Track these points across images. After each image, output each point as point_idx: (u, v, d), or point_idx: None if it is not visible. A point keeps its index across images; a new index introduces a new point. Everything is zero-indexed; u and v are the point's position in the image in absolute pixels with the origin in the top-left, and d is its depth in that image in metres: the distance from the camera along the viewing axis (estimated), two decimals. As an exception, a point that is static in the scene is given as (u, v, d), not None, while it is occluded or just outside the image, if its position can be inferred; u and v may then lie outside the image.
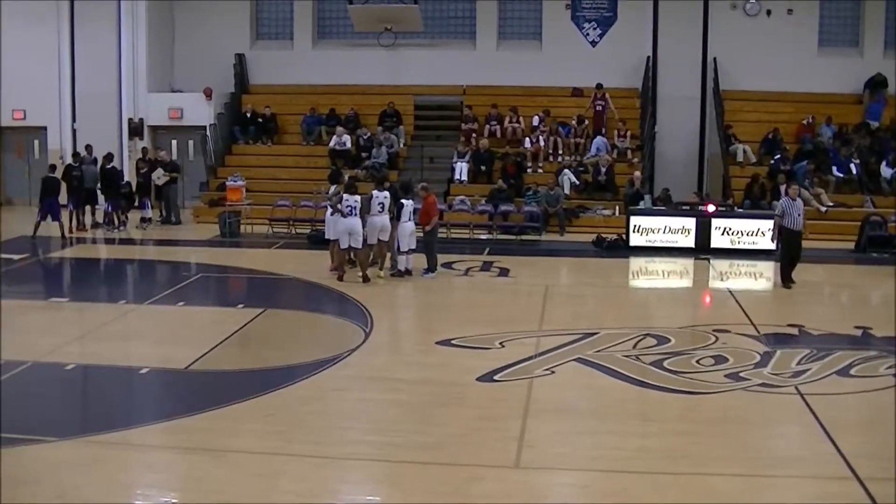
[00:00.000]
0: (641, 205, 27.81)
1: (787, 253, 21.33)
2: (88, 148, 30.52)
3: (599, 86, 32.47)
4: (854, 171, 30.09)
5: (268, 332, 17.36)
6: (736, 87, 33.10)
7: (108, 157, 29.64)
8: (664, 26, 33.11)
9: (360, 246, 21.27)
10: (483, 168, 31.29)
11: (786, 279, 21.24)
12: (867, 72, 32.72)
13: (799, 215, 21.15)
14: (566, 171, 30.59)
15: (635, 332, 16.79)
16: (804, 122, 32.05)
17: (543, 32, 34.67)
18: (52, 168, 28.15)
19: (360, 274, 21.36)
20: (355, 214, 21.06)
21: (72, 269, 24.78)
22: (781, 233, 21.18)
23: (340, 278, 21.34)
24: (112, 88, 34.18)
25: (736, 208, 27.59)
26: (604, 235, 26.99)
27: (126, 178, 30.86)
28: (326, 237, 22.15)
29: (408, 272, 21.79)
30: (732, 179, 30.51)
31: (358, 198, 21.24)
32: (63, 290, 22.38)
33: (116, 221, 29.18)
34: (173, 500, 10.05)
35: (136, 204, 30.22)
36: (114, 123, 34.22)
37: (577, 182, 30.55)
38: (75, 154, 30.44)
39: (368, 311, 18.32)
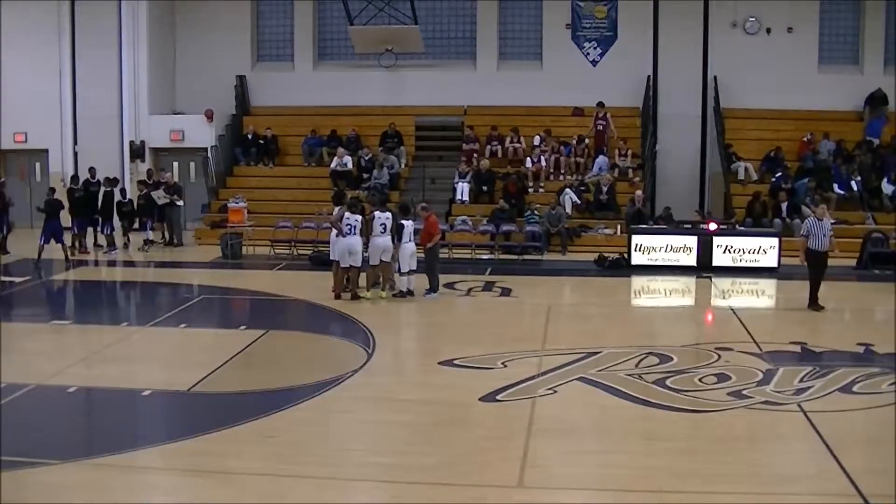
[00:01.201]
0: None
1: (814, 274, 20.73)
2: (92, 170, 30.56)
3: (601, 104, 32.50)
4: (855, 188, 30.11)
5: (270, 353, 17.34)
6: (736, 105, 33.18)
7: (113, 182, 29.77)
8: (664, 45, 33.19)
9: (359, 265, 21.34)
10: (485, 188, 31.33)
11: (814, 301, 20.65)
12: (867, 88, 32.80)
13: (825, 236, 20.61)
14: (567, 190, 30.61)
15: (638, 350, 16.77)
16: (804, 138, 32.06)
17: (544, 52, 34.76)
18: (52, 191, 28.18)
19: (351, 290, 21.48)
20: (355, 233, 21.13)
21: (74, 292, 24.79)
22: (808, 254, 20.65)
23: (338, 297, 21.39)
24: (113, 111, 34.28)
25: (737, 226, 27.56)
26: (605, 254, 27.00)
27: (129, 197, 30.76)
28: (332, 258, 22.10)
29: (409, 293, 21.78)
30: (734, 197, 30.54)
31: (359, 217, 21.32)
32: (65, 312, 22.36)
33: (115, 243, 29.20)
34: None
35: (137, 226, 30.23)
36: (115, 146, 34.30)
37: (579, 201, 30.58)
38: (74, 177, 30.48)
39: (371, 332, 18.31)
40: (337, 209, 22.25)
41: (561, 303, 23.03)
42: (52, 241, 26.61)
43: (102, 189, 29.50)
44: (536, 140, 32.60)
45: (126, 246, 29.67)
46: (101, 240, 29.55)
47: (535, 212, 29.45)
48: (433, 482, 10.85)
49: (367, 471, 11.29)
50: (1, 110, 33.69)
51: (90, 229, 29.34)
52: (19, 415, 13.14)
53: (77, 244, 28.51)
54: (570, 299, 24.08)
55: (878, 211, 29.47)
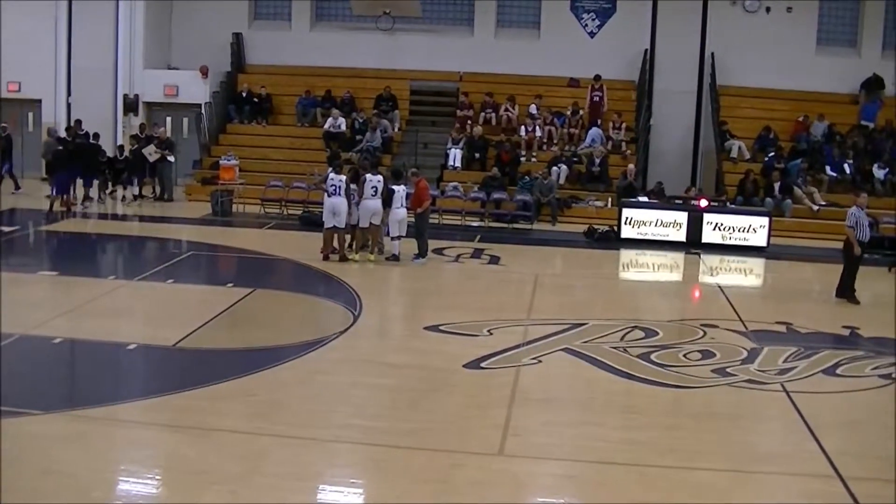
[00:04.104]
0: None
1: (853, 265, 20.04)
2: (78, 122, 30.46)
3: (597, 77, 32.44)
4: (847, 171, 30.09)
5: (256, 312, 17.36)
6: (732, 82, 33.08)
7: (95, 136, 29.70)
8: (663, 20, 33.06)
9: (343, 226, 21.32)
10: (477, 155, 31.23)
11: (847, 292, 20.03)
12: (864, 72, 32.69)
13: (868, 225, 20.11)
14: (558, 167, 30.43)
15: (623, 324, 16.83)
16: (799, 119, 32.01)
17: (542, 21, 34.58)
18: (60, 141, 28.12)
19: (339, 252, 21.51)
20: (339, 194, 21.11)
21: (63, 244, 24.69)
22: (852, 244, 19.84)
23: (326, 258, 21.39)
24: (108, 63, 34.05)
25: (728, 204, 27.58)
26: (595, 227, 26.98)
27: (125, 154, 30.65)
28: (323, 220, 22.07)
29: (395, 258, 21.75)
30: (726, 175, 30.50)
31: (343, 178, 21.28)
32: (53, 263, 22.30)
33: (100, 197, 29.23)
34: (156, 478, 10.05)
35: (126, 179, 30.16)
36: (109, 99, 34.10)
37: (568, 169, 30.49)
38: (69, 128, 30.39)
39: (358, 295, 18.31)
40: (329, 170, 22.21)
41: (548, 273, 22.98)
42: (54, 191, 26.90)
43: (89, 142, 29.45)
44: (532, 108, 32.49)
45: (115, 199, 29.59)
46: (92, 192, 29.44)
47: (527, 177, 29.37)
48: (413, 447, 10.89)
49: (348, 433, 11.31)
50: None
51: (79, 182, 29.19)
52: (4, 364, 13.11)
53: (67, 196, 28.37)
54: (558, 270, 24.05)
55: (869, 195, 29.33)
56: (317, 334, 15.50)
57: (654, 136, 32.58)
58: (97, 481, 9.73)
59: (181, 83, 34.24)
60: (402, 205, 21.77)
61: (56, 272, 20.19)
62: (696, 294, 21.85)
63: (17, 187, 30.36)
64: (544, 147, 31.89)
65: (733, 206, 27.56)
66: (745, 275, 24.07)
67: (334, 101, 33.67)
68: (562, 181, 29.94)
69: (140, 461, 10.46)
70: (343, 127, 32.35)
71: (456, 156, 31.22)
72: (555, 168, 30.11)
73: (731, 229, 25.90)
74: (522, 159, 31.20)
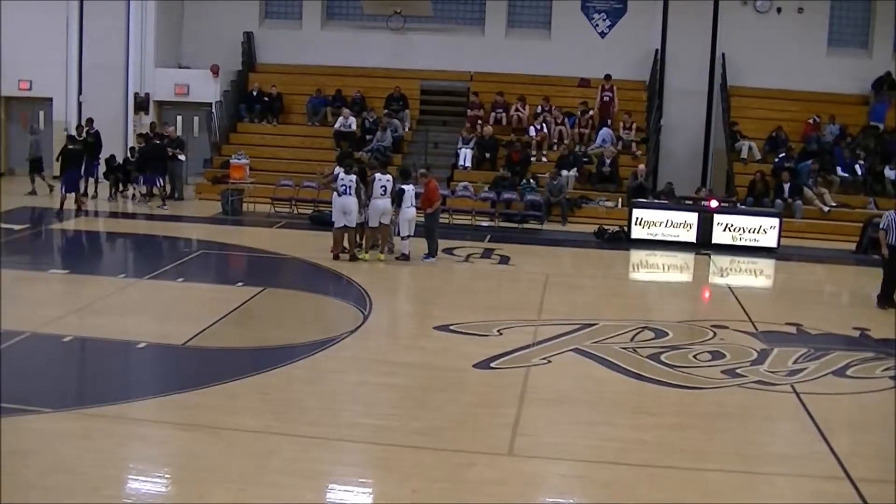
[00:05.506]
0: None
1: (892, 272, 19.50)
2: (89, 121, 30.53)
3: (608, 77, 32.40)
4: (858, 172, 30.01)
5: (266, 311, 17.39)
6: (743, 83, 33.04)
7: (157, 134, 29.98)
8: (673, 20, 33.03)
9: (353, 225, 21.35)
10: (487, 155, 31.21)
11: (885, 300, 19.43)
12: (875, 72, 32.62)
13: None
14: (567, 166, 30.38)
15: (633, 324, 16.80)
16: (810, 120, 31.95)
17: (553, 21, 34.56)
18: (71, 139, 28.20)
19: (349, 251, 21.58)
20: (350, 193, 21.12)
21: (72, 242, 24.75)
22: (882, 249, 19.43)
23: (336, 257, 21.40)
24: (119, 62, 34.09)
25: (738, 205, 27.53)
26: (605, 227, 26.95)
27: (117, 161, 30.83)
28: (333, 219, 22.09)
29: (405, 257, 21.76)
30: (736, 176, 30.45)
31: (353, 177, 21.29)
32: (63, 262, 22.37)
33: (109, 194, 29.37)
34: (166, 476, 10.06)
35: (133, 179, 30.24)
36: (120, 97, 34.15)
37: (577, 171, 30.45)
38: (79, 126, 30.48)
39: (368, 294, 18.32)
40: (337, 169, 22.23)
41: (559, 273, 22.94)
42: (64, 190, 26.88)
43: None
44: (540, 108, 32.46)
45: (126, 198, 29.66)
46: (102, 191, 29.53)
47: (532, 181, 29.35)
48: (422, 446, 10.89)
49: (357, 432, 11.33)
50: (6, 58, 33.52)
51: (91, 179, 29.32)
52: (14, 362, 13.16)
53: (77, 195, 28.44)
54: (568, 270, 24.03)
55: (880, 196, 29.33)
56: (327, 333, 15.51)
57: (664, 136, 32.56)
58: (106, 479, 9.74)
59: (192, 82, 34.27)
60: (411, 204, 21.78)
61: (66, 270, 20.25)
62: (707, 295, 21.82)
63: None
64: (555, 147, 31.86)
65: (744, 206, 27.51)
66: (755, 276, 24.02)
67: (345, 101, 33.67)
68: (570, 188, 29.86)
69: (149, 459, 10.48)
70: (353, 126, 32.34)
71: (466, 155, 31.22)
72: (564, 171, 30.07)
73: (742, 230, 25.83)
74: (532, 159, 31.19)
